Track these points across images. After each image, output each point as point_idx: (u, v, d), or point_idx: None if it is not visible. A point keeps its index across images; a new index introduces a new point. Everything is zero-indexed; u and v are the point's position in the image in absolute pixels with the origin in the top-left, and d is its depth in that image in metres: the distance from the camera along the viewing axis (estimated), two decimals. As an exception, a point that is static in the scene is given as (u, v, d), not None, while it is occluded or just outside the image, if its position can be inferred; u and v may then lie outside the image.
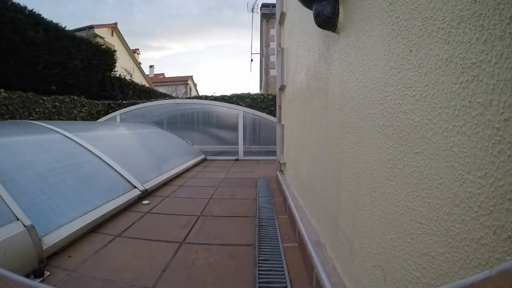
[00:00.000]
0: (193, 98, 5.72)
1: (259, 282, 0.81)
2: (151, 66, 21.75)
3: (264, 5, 10.88)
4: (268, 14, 10.92)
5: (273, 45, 9.92)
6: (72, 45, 5.42)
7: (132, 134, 2.88)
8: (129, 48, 15.17)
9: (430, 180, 0.35)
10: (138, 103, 4.70)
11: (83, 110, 5.14)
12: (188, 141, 3.77)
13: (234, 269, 0.89)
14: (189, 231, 1.20)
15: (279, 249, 1.02)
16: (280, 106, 2.05)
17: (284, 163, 1.90)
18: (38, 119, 4.21)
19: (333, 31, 0.70)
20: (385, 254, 0.45)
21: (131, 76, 9.56)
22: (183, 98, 7.83)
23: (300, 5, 0.80)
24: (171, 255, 0.98)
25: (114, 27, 13.69)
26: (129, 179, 1.68)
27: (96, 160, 1.70)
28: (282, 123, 1.95)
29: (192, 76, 21.55)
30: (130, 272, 0.87)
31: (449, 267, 0.31)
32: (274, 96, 4.69)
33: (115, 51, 7.40)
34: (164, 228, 1.25)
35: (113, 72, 7.11)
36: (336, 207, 0.71)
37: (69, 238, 1.03)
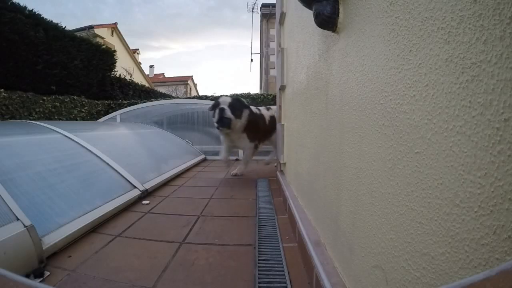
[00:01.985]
0: (193, 98, 5.71)
1: (259, 282, 0.81)
2: (151, 66, 21.78)
3: (264, 5, 10.88)
4: (268, 14, 10.92)
5: (273, 45, 9.93)
6: (72, 45, 5.42)
7: (132, 134, 2.88)
8: (129, 48, 15.17)
9: (430, 180, 0.35)
10: (138, 103, 4.69)
11: (83, 110, 5.14)
12: (188, 141, 3.77)
13: (234, 269, 0.89)
14: (189, 231, 1.20)
15: (279, 249, 1.02)
16: (280, 106, 2.05)
17: (284, 163, 1.90)
18: (38, 119, 4.21)
19: (333, 31, 0.70)
20: (385, 254, 0.45)
21: (131, 76, 9.56)
22: (183, 98, 7.83)
23: (300, 5, 0.80)
24: (171, 255, 0.98)
25: (114, 27, 13.69)
26: (129, 179, 1.68)
27: (96, 160, 1.70)
28: (282, 123, 1.95)
29: (192, 76, 21.56)
30: (130, 272, 0.87)
31: (449, 267, 0.31)
32: (274, 96, 4.68)
33: (115, 51, 7.40)
34: (164, 228, 1.25)
35: (113, 72, 7.11)
36: (336, 207, 0.71)
37: (69, 238, 1.03)
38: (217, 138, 4.15)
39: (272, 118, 2.58)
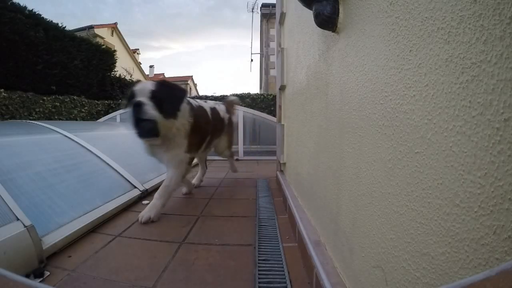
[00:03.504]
0: (193, 98, 5.72)
1: (259, 282, 0.81)
2: (151, 66, 21.78)
3: (264, 5, 10.89)
4: (268, 14, 10.93)
5: (273, 45, 9.94)
6: (72, 45, 5.43)
7: (132, 134, 2.87)
8: (129, 48, 15.18)
9: (430, 180, 0.35)
10: (138, 103, 4.68)
11: (83, 110, 5.14)
12: (188, 141, 3.75)
13: (234, 269, 0.89)
14: (189, 231, 1.20)
15: (279, 249, 1.02)
16: (280, 106, 2.05)
17: (284, 163, 1.90)
18: (38, 119, 4.21)
19: (333, 31, 0.70)
20: (385, 254, 0.45)
21: (131, 76, 9.56)
22: (183, 98, 7.80)
23: (300, 5, 0.80)
24: (171, 255, 0.98)
25: (114, 27, 13.70)
26: (129, 179, 1.68)
27: (96, 160, 1.70)
28: (282, 123, 1.95)
29: (192, 76, 21.60)
30: (130, 272, 0.87)
31: (449, 267, 0.31)
32: (274, 96, 4.67)
33: (115, 51, 7.41)
34: (164, 228, 1.25)
35: (113, 72, 7.11)
36: (336, 207, 0.71)
37: (69, 238, 1.03)
38: (217, 138, 4.14)
39: (214, 111, 1.81)
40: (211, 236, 1.14)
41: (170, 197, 1.45)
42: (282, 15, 1.86)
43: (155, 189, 1.89)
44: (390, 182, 0.44)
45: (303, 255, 0.93)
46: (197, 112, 1.55)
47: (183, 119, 1.39)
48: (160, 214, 1.34)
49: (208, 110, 1.73)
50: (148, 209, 1.31)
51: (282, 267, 0.89)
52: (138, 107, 1.19)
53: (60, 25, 5.32)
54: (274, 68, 6.52)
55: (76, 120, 4.98)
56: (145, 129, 1.24)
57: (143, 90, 1.23)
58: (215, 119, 1.79)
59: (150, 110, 1.20)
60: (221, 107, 1.97)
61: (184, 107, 1.39)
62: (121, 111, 4.34)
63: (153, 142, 1.37)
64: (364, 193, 0.54)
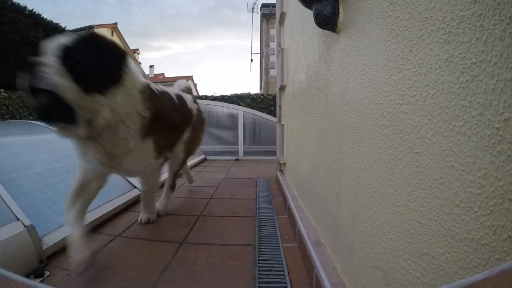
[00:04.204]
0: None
1: (259, 282, 0.81)
2: (151, 66, 21.76)
3: (264, 5, 10.89)
4: (268, 14, 10.93)
5: (273, 45, 9.94)
6: (72, 45, 5.42)
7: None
8: (129, 48, 15.18)
9: (430, 180, 0.35)
10: (138, 103, 4.68)
11: (83, 110, 5.13)
12: (188, 141, 3.75)
13: (234, 269, 0.89)
14: (189, 231, 1.20)
15: (279, 249, 1.02)
16: (280, 106, 2.05)
17: (284, 163, 1.90)
18: (38, 119, 4.21)
19: (333, 31, 0.70)
20: (385, 254, 0.45)
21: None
22: (183, 98, 7.79)
23: (300, 5, 0.80)
24: (171, 255, 0.98)
25: (114, 27, 13.71)
26: (129, 179, 1.68)
27: (96, 160, 1.70)
28: (282, 123, 1.95)
29: (192, 76, 21.58)
30: (130, 272, 0.87)
31: (449, 267, 0.31)
32: (274, 96, 4.68)
33: (115, 51, 7.40)
34: (164, 228, 1.25)
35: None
36: (336, 207, 0.71)
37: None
38: (218, 138, 4.14)
39: (180, 100, 1.40)
40: (211, 236, 1.14)
41: (155, 198, 1.38)
42: (282, 15, 1.86)
43: (155, 189, 1.90)
44: (390, 182, 0.44)
45: (303, 255, 0.93)
46: (162, 99, 1.11)
47: (131, 103, 0.90)
48: (156, 214, 1.36)
49: (174, 97, 1.30)
50: (146, 211, 1.31)
51: (282, 267, 0.89)
52: (32, 70, 0.70)
53: (60, 25, 5.33)
54: (274, 68, 6.52)
55: (76, 120, 4.97)
56: (41, 105, 0.73)
57: (53, 47, 0.74)
58: (183, 111, 1.39)
59: (51, 75, 0.70)
60: (187, 97, 1.56)
61: (132, 81, 0.89)
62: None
63: (64, 130, 0.85)
64: (364, 193, 0.54)
